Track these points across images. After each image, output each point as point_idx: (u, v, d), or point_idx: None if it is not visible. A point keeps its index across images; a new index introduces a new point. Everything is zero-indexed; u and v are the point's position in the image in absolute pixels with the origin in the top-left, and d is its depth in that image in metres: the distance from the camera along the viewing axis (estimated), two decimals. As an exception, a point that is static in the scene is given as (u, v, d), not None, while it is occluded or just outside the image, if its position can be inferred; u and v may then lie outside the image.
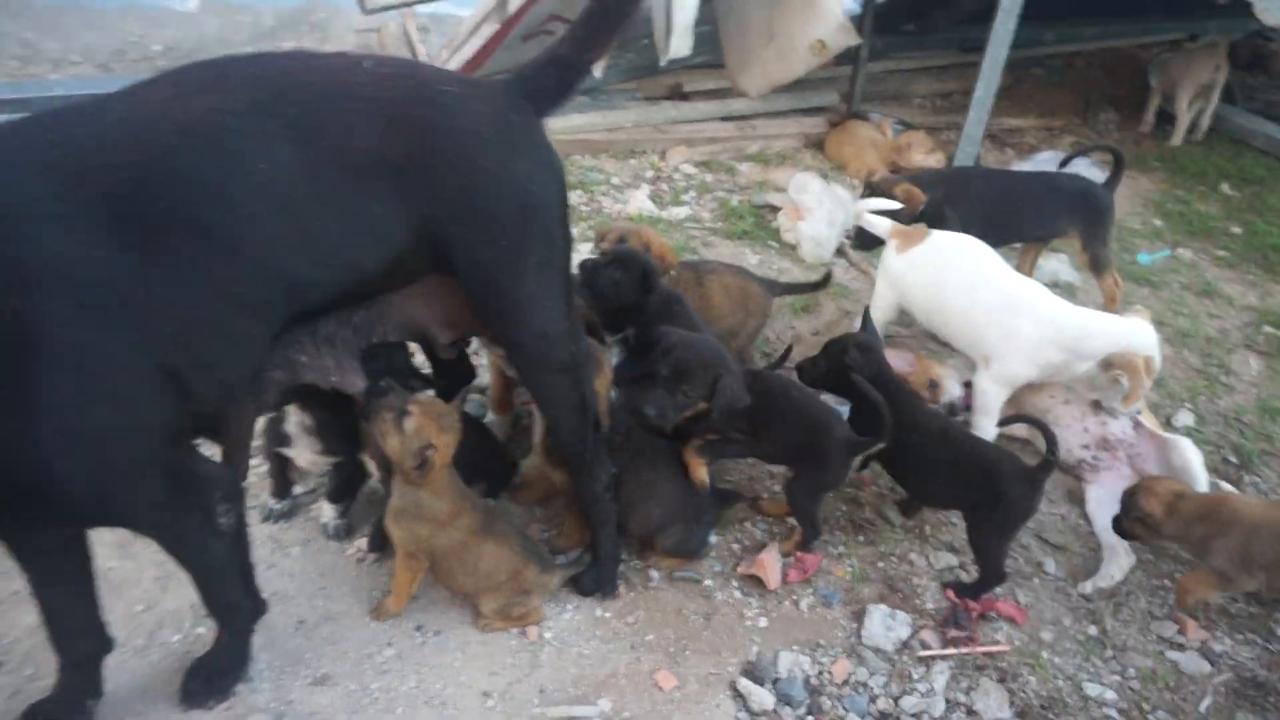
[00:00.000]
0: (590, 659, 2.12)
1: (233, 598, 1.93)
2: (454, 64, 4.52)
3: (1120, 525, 2.41)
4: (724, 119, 5.02)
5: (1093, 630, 2.34)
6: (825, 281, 3.12)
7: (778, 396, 2.37)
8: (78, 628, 1.83)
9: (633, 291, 2.43)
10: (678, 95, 5.20)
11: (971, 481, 2.31)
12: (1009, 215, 3.33)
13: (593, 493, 2.19)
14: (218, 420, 1.76)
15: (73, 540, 1.77)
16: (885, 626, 2.27)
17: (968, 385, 2.75)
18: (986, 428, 2.66)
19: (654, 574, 2.36)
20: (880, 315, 2.89)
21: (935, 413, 2.58)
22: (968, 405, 2.74)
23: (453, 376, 2.40)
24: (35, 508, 1.54)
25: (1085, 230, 3.30)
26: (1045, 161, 4.76)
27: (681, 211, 4.15)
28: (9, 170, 1.39)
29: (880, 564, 2.47)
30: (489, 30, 4.18)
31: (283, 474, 2.38)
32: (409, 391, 1.97)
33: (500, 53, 4.51)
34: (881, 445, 2.31)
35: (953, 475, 2.35)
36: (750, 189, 4.47)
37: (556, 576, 2.20)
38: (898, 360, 2.72)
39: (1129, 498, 2.37)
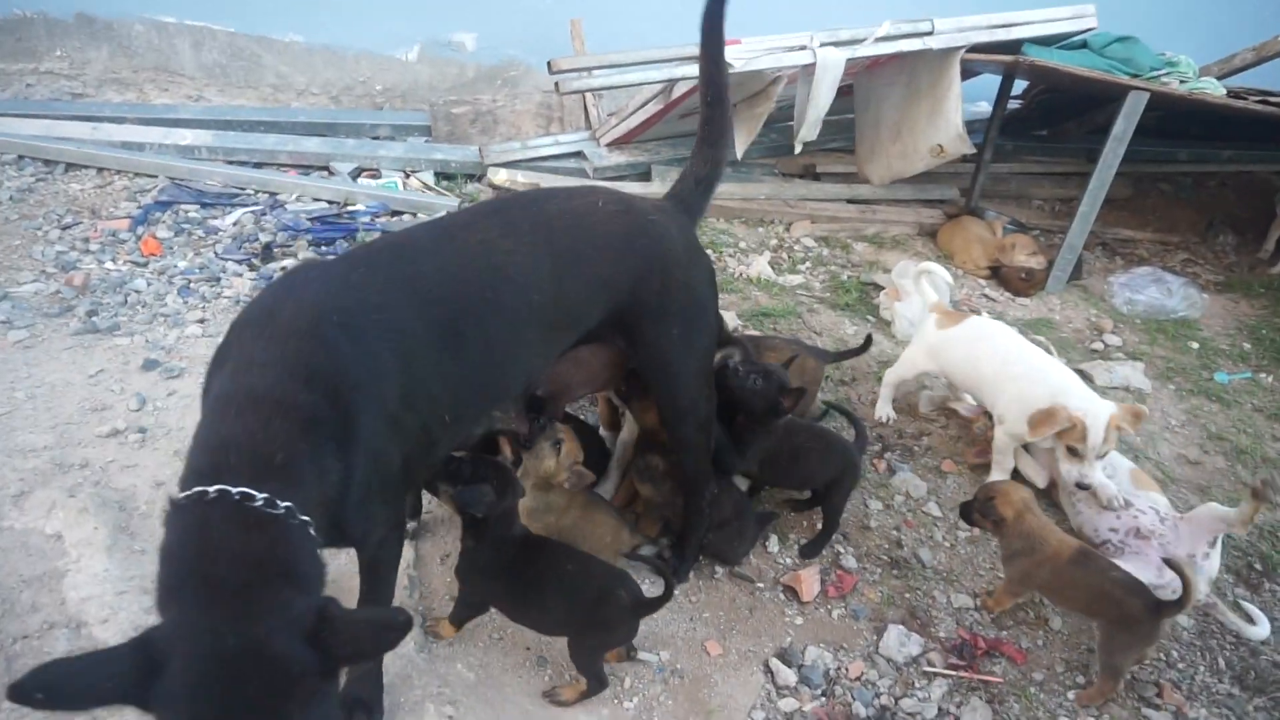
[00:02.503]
0: (657, 620, 2.69)
1: None
2: (620, 130, 5.30)
3: (970, 514, 2.85)
4: (849, 201, 5.59)
5: (1080, 680, 2.74)
6: (866, 345, 3.63)
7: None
8: None
9: (765, 401, 2.88)
10: (810, 174, 5.82)
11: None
12: None
13: (699, 505, 2.78)
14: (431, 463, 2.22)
15: None
16: (900, 643, 2.75)
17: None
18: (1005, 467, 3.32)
19: (718, 570, 2.92)
20: (903, 374, 3.62)
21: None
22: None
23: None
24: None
25: None
26: (1143, 276, 5.06)
27: (795, 279, 4.74)
28: (389, 293, 1.88)
29: (907, 595, 2.96)
30: (654, 108, 4.93)
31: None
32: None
33: (660, 125, 5.26)
34: None
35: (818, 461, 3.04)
36: (861, 267, 5.00)
37: (637, 538, 2.76)
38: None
39: (988, 497, 2.79)
